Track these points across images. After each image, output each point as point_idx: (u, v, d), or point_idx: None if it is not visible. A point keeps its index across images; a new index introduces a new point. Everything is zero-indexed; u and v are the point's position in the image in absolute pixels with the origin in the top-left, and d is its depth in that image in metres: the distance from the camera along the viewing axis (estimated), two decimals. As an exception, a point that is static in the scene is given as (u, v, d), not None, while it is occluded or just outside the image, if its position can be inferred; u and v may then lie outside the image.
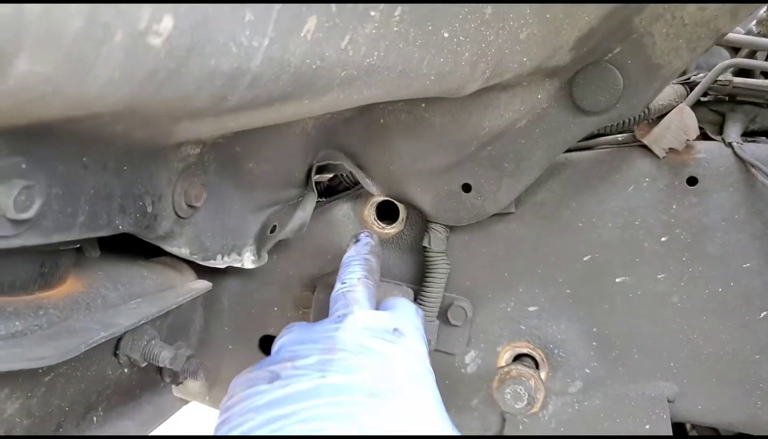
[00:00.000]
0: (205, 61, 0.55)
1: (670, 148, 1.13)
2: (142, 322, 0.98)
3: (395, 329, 0.83)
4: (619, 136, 1.20)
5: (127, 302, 1.06)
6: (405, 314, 0.91)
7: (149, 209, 0.99)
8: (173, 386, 1.34)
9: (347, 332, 0.79)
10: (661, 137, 1.13)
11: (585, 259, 1.18)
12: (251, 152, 1.17)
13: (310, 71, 0.72)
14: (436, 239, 1.21)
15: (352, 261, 1.02)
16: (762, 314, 1.11)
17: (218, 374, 1.39)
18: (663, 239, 1.15)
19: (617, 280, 1.17)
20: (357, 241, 1.08)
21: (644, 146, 1.16)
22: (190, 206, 1.09)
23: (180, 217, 1.08)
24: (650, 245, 1.15)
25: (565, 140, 1.08)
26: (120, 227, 0.92)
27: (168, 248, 1.09)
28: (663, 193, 1.15)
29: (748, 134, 1.21)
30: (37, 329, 0.86)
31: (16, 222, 0.72)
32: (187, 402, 1.45)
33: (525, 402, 1.10)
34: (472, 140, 1.10)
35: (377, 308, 0.94)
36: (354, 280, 0.96)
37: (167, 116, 0.74)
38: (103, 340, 0.87)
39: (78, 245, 0.96)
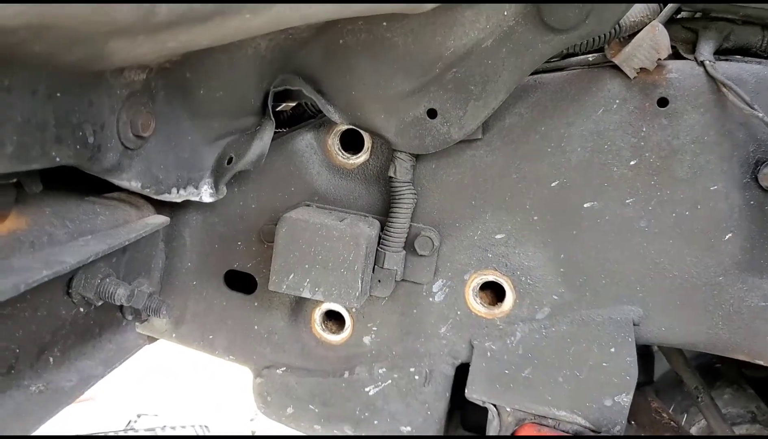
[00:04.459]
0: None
1: (641, 68, 1.09)
2: (91, 259, 0.94)
3: None
4: (590, 57, 1.15)
5: (77, 239, 1.01)
6: None
7: (91, 140, 0.92)
8: (137, 323, 1.32)
9: None
10: (632, 56, 1.08)
11: (553, 184, 1.16)
12: (202, 78, 1.09)
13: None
14: (402, 169, 1.16)
15: None
16: (727, 236, 1.11)
17: (184, 310, 1.36)
18: (632, 163, 1.12)
19: (585, 205, 1.15)
20: None
21: (615, 67, 1.11)
22: (138, 136, 1.02)
23: (128, 148, 1.02)
24: (619, 169, 1.13)
25: (533, 60, 1.03)
26: (58, 159, 0.86)
27: (117, 182, 1.03)
28: (633, 116, 1.11)
29: (722, 52, 1.16)
30: (-26, 268, 0.82)
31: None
32: (154, 340, 1.43)
33: None
34: (437, 61, 1.04)
35: None
36: None
37: (93, 33, 0.67)
38: (46, 279, 0.82)
39: (15, 179, 0.90)
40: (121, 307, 1.23)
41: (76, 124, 0.89)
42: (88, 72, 0.86)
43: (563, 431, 1.20)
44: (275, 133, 1.20)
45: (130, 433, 4.40)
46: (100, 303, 1.07)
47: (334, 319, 1.35)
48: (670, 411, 1.60)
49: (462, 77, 1.05)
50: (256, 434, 4.05)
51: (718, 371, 1.91)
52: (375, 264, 1.19)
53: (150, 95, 1.05)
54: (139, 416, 4.73)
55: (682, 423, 1.83)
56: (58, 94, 0.84)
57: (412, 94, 1.08)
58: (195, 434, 3.76)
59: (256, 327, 1.34)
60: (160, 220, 1.19)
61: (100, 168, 0.97)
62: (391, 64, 1.06)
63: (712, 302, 1.13)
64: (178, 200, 1.15)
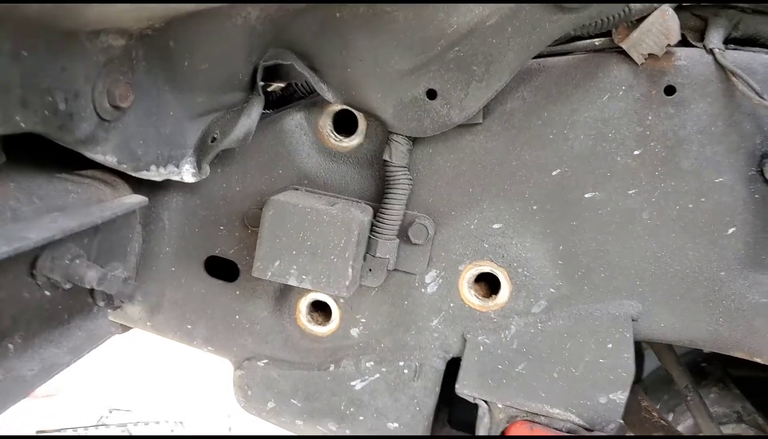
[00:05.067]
0: None
1: (649, 54, 1.05)
2: (58, 237, 0.86)
3: None
4: (596, 41, 1.11)
5: (44, 216, 0.93)
6: None
7: (62, 107, 0.84)
8: (110, 311, 1.24)
9: None
10: (640, 41, 1.04)
11: (554, 173, 1.11)
12: (187, 48, 1.02)
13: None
14: (398, 152, 1.11)
15: None
16: (730, 231, 1.08)
17: (161, 298, 1.29)
18: (636, 153, 1.08)
19: (586, 195, 1.11)
20: None
21: (622, 52, 1.07)
22: (115, 107, 0.95)
23: (103, 119, 0.94)
24: (623, 159, 1.09)
25: (540, 40, 0.98)
26: (23, 125, 0.78)
27: (91, 155, 0.96)
28: (639, 104, 1.07)
29: (730, 42, 1.13)
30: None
31: None
32: (127, 329, 1.35)
33: None
34: (439, 39, 0.99)
35: None
36: None
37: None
38: (5, 255, 0.75)
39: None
40: (92, 292, 1.15)
41: (46, 88, 0.81)
42: (59, 31, 0.79)
43: (556, 429, 1.16)
44: (262, 114, 1.14)
45: (102, 430, 4.27)
46: (68, 286, 0.98)
47: (320, 310, 1.29)
48: (658, 410, 1.58)
49: (465, 57, 1.00)
50: (246, 435, 3.95)
51: (704, 370, 1.90)
52: (366, 252, 1.13)
53: (129, 64, 0.97)
54: (111, 411, 4.60)
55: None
56: (25, 54, 0.76)
57: (412, 73, 1.02)
58: (186, 434, 3.66)
59: (237, 317, 1.27)
60: (138, 200, 1.11)
61: (72, 139, 0.89)
62: (390, 41, 1.00)
63: (713, 297, 1.10)
64: (158, 179, 1.08)
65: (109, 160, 0.97)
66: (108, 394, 4.73)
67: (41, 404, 4.36)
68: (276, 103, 1.35)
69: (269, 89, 1.38)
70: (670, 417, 1.84)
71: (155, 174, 1.06)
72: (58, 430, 4.09)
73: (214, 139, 1.08)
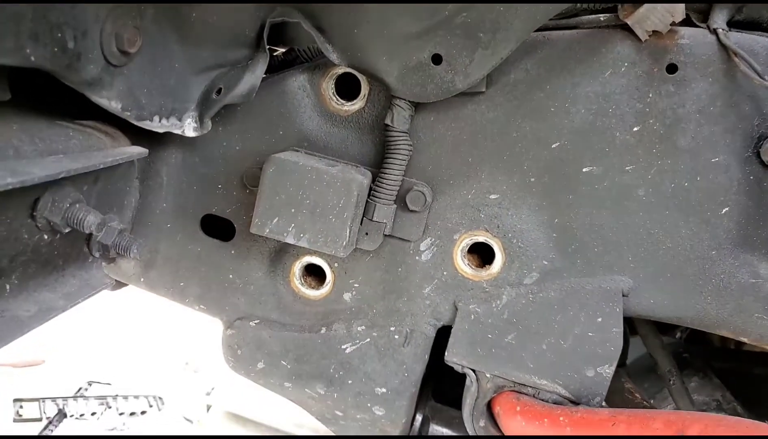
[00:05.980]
0: None
1: (653, 31, 1.06)
2: (62, 175, 0.86)
3: None
4: (602, 17, 1.12)
5: (47, 157, 0.92)
6: None
7: (70, 45, 0.84)
8: (104, 264, 1.24)
9: None
10: (645, 18, 1.05)
11: (553, 146, 1.12)
12: (196, -1, 1.02)
13: None
14: (400, 117, 1.11)
15: None
16: (723, 210, 1.10)
17: (156, 254, 1.29)
18: (635, 129, 1.10)
19: (584, 170, 1.12)
20: None
21: (627, 29, 1.08)
22: (123, 52, 0.94)
23: (110, 63, 0.94)
24: (621, 135, 1.10)
25: (547, 10, 0.99)
26: (32, 58, 0.78)
27: (96, 99, 0.95)
28: (641, 80, 1.08)
29: (734, 25, 1.14)
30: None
31: None
32: (121, 285, 1.35)
33: None
34: (447, 3, 0.99)
35: None
36: None
37: None
38: (10, 187, 0.75)
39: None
40: (88, 242, 1.15)
41: (56, 24, 0.81)
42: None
43: (542, 400, 1.18)
44: (263, 78, 1.13)
45: (80, 402, 4.25)
46: (66, 231, 0.99)
47: (314, 274, 1.30)
48: (641, 391, 1.61)
49: (472, 23, 1.00)
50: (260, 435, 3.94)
51: (686, 360, 1.93)
52: (364, 216, 1.14)
53: (138, 10, 0.97)
54: (90, 383, 4.58)
55: (649, 408, 1.84)
56: (38, -14, 0.76)
57: (418, 37, 1.03)
58: (199, 434, 3.66)
59: (231, 276, 1.27)
60: (138, 150, 1.11)
61: (78, 79, 0.89)
62: (398, 3, 1.01)
63: (703, 276, 1.12)
64: (160, 130, 1.08)
65: (114, 105, 0.97)
66: (89, 366, 4.71)
67: (23, 373, 4.34)
68: (278, 68, 1.35)
69: (275, 54, 1.38)
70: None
71: (158, 125, 1.06)
72: (36, 399, 4.07)
73: (218, 93, 1.08)
